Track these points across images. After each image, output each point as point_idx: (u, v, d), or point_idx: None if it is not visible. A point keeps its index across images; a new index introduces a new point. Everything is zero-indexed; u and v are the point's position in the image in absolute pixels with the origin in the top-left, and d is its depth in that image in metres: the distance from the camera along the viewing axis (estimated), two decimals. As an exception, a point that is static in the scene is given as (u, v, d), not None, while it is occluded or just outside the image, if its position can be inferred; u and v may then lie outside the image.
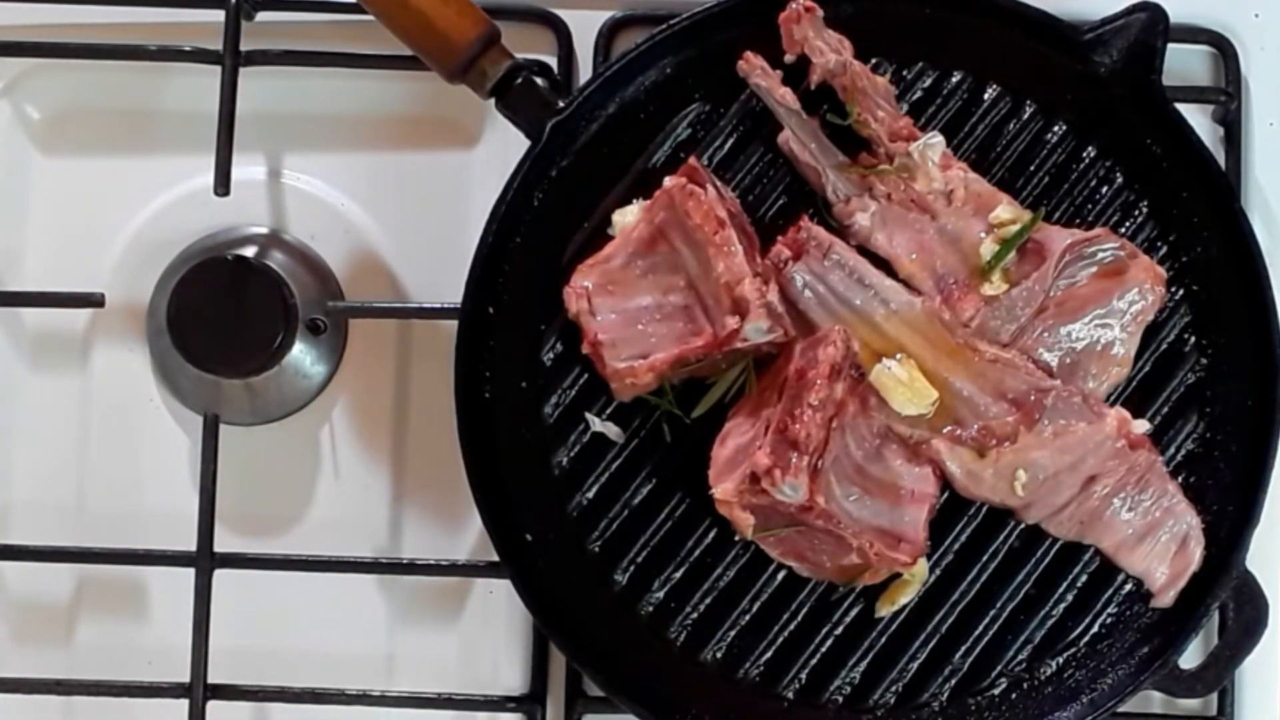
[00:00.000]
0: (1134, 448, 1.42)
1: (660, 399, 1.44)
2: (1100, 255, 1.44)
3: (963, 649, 1.44)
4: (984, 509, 1.45)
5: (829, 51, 1.44)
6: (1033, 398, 1.42)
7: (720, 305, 1.40)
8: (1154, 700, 1.48)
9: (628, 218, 1.45)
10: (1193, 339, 1.46)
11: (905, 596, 1.43)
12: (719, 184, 1.44)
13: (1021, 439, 1.41)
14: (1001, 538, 1.45)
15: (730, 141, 1.48)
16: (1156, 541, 1.43)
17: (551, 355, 1.47)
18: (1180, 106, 1.47)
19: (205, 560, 1.48)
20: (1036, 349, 1.43)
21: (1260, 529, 1.43)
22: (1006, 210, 1.44)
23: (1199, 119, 1.52)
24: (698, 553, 1.45)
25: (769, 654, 1.45)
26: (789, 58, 1.46)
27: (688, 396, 1.45)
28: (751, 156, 1.48)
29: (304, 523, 1.53)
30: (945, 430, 1.42)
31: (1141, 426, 1.43)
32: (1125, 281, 1.44)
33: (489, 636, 1.52)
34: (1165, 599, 1.43)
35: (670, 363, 1.41)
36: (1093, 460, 1.42)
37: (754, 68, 1.45)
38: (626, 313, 1.43)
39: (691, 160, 1.43)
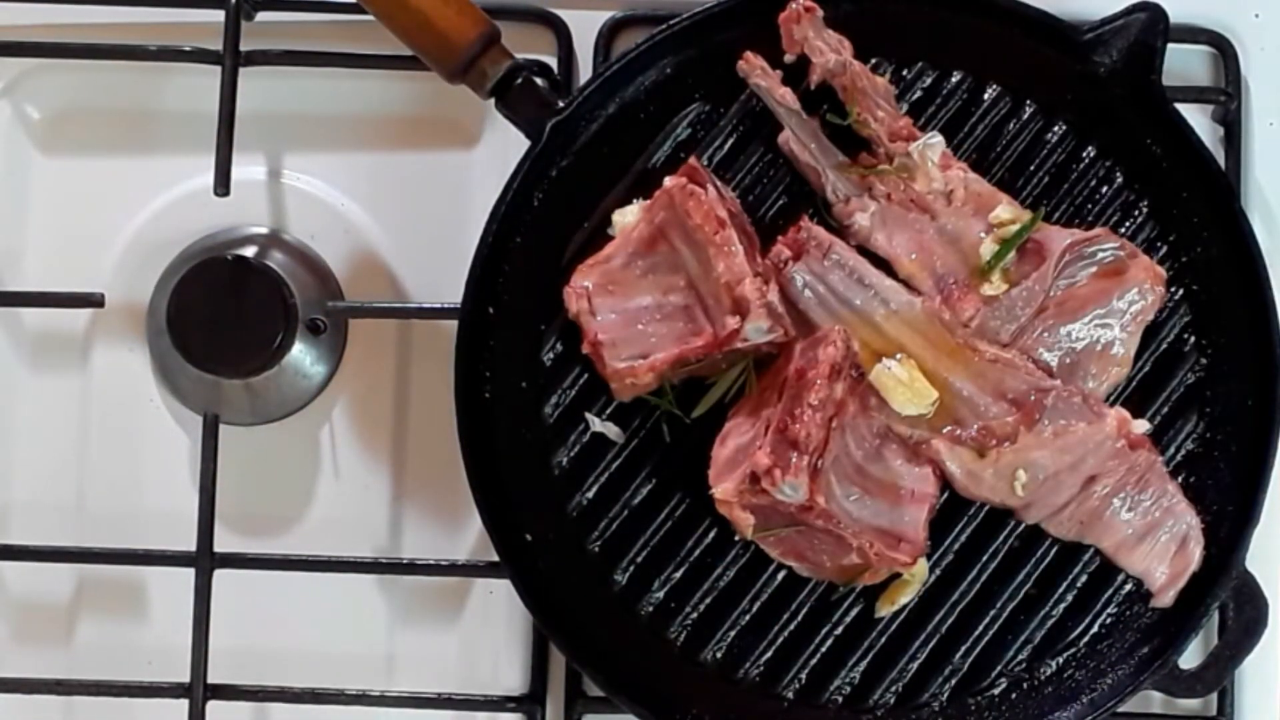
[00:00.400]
0: (1134, 448, 1.42)
1: (660, 399, 1.44)
2: (1100, 255, 1.43)
3: (963, 649, 1.44)
4: (984, 509, 1.44)
5: (829, 51, 1.44)
6: (1033, 398, 1.41)
7: (720, 305, 1.39)
8: (1154, 700, 1.47)
9: (628, 218, 1.45)
10: (1193, 339, 1.46)
11: (905, 596, 1.43)
12: (719, 184, 1.43)
13: (1021, 439, 1.41)
14: (1001, 538, 1.44)
15: (730, 141, 1.47)
16: (1156, 541, 1.43)
17: (551, 355, 1.46)
18: (1180, 106, 1.46)
19: (205, 560, 1.48)
20: (1036, 349, 1.43)
21: (1260, 529, 1.43)
22: (1006, 210, 1.44)
23: (1199, 119, 1.51)
24: (698, 553, 1.45)
25: (769, 654, 1.44)
26: (789, 58, 1.45)
27: (688, 396, 1.44)
28: (751, 156, 1.47)
29: (304, 523, 1.53)
30: (945, 430, 1.42)
31: (1141, 426, 1.43)
32: (1125, 281, 1.43)
33: (489, 637, 1.52)
34: (1165, 599, 1.43)
35: (670, 363, 1.41)
36: (1093, 460, 1.41)
37: (754, 68, 1.45)
38: (626, 313, 1.43)
39: (691, 160, 1.43)
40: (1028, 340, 1.43)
